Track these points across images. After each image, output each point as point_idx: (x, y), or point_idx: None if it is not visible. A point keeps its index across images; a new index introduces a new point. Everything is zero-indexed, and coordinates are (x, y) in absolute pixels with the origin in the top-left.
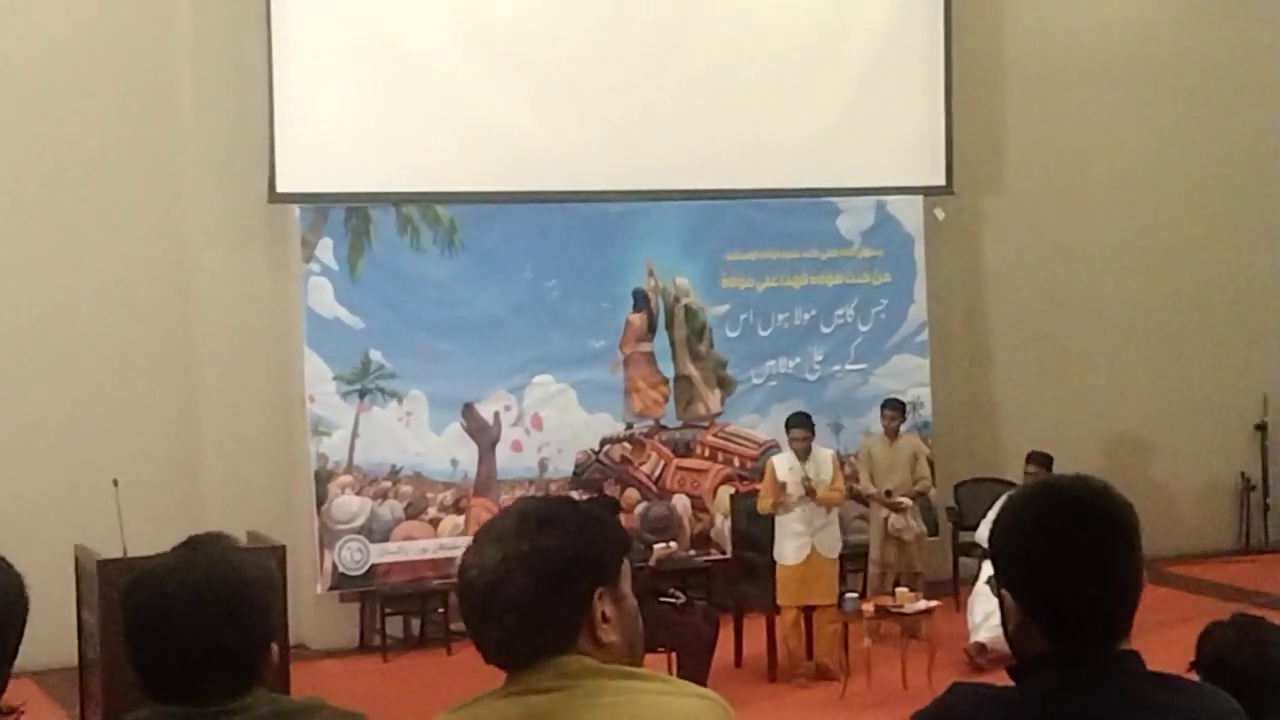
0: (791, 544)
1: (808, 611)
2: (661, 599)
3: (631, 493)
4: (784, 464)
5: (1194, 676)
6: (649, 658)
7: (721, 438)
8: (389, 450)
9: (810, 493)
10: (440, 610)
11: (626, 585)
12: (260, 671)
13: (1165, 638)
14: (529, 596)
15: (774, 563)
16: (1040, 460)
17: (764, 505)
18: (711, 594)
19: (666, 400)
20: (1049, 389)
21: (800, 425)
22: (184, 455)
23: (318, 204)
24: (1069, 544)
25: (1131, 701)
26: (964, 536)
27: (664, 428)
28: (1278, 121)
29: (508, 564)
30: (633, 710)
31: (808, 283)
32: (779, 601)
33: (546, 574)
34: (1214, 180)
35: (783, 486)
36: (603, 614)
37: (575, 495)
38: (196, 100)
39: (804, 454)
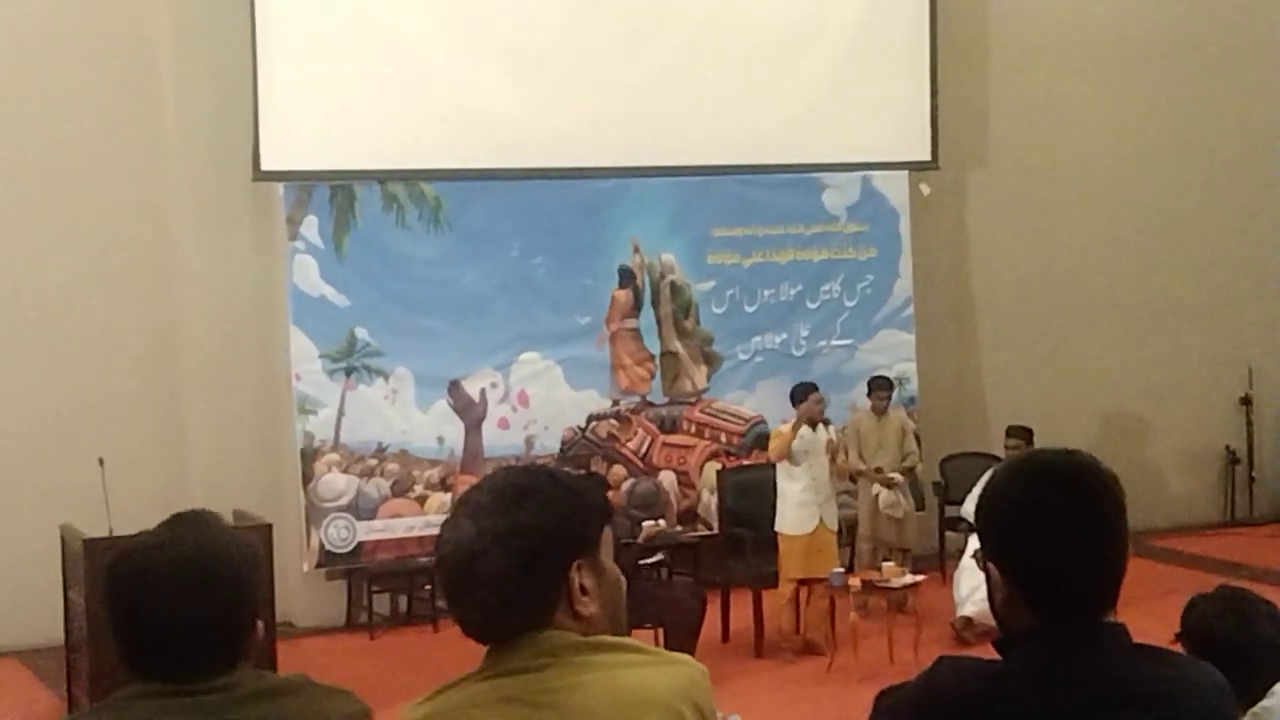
0: (800, 514)
1: (803, 586)
2: (640, 562)
3: (618, 469)
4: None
5: (1179, 648)
6: (636, 633)
7: (708, 414)
8: (375, 428)
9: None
10: (427, 587)
11: (608, 556)
12: (246, 649)
13: (1151, 610)
14: (505, 573)
15: (775, 535)
16: (1020, 434)
17: (778, 449)
18: (698, 570)
19: (653, 377)
20: (1034, 363)
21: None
22: (170, 434)
23: (302, 182)
24: (1055, 517)
25: (1117, 674)
26: (950, 511)
27: (650, 404)
28: (1265, 98)
29: (483, 540)
30: (612, 685)
31: (794, 258)
32: (786, 575)
33: (523, 551)
34: (1199, 155)
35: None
36: (581, 586)
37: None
38: (179, 78)
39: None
